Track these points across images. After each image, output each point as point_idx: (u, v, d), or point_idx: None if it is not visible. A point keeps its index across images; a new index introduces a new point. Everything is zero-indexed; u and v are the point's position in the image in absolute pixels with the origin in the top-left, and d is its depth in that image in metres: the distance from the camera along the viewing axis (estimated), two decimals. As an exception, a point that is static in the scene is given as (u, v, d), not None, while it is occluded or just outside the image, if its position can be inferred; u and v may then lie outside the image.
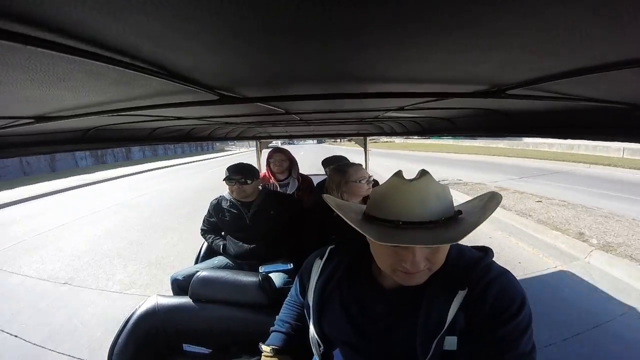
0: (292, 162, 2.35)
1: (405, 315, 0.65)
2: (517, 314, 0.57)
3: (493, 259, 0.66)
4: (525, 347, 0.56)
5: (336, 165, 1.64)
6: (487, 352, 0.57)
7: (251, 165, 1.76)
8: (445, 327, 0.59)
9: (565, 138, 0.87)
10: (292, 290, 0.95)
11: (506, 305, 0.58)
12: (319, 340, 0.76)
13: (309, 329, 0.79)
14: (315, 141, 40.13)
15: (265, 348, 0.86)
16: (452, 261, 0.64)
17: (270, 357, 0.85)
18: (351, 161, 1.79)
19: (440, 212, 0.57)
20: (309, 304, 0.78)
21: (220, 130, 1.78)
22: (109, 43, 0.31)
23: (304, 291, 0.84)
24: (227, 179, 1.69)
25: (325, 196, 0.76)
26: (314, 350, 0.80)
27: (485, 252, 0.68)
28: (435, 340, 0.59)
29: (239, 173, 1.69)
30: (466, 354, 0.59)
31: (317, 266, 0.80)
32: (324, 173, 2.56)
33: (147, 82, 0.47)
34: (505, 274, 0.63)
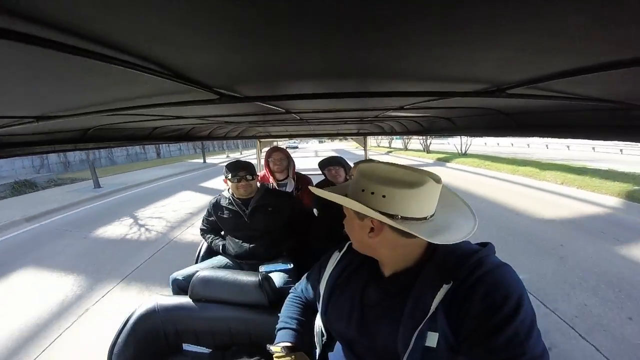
0: (289, 161, 2.34)
1: (393, 304, 0.63)
2: (514, 315, 0.50)
3: (491, 254, 0.62)
4: (533, 352, 0.50)
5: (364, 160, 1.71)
6: None
7: (248, 161, 1.78)
8: (425, 319, 0.56)
9: (566, 138, 0.87)
10: (299, 285, 0.94)
11: (498, 304, 0.51)
12: (322, 329, 0.76)
13: (315, 321, 0.80)
14: (317, 140, 40.67)
15: (276, 348, 0.76)
16: (445, 253, 0.62)
17: (283, 356, 0.75)
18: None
19: None
20: (320, 293, 0.79)
21: (220, 129, 1.78)
22: (109, 41, 0.31)
23: (316, 282, 0.85)
24: (233, 177, 1.69)
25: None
26: (316, 340, 0.80)
27: (483, 246, 0.64)
28: (415, 333, 0.56)
29: (243, 169, 1.70)
30: None
31: (335, 257, 0.81)
32: (323, 175, 2.55)
33: (147, 81, 0.47)
34: (499, 267, 0.57)
